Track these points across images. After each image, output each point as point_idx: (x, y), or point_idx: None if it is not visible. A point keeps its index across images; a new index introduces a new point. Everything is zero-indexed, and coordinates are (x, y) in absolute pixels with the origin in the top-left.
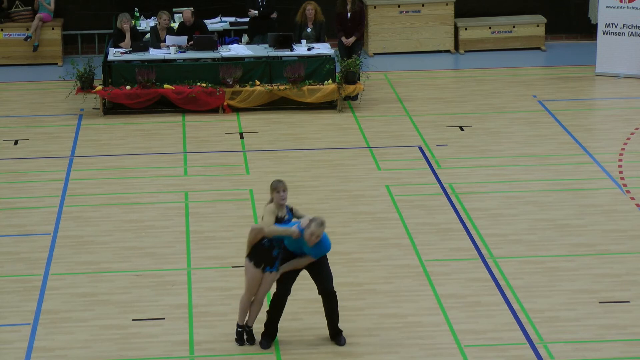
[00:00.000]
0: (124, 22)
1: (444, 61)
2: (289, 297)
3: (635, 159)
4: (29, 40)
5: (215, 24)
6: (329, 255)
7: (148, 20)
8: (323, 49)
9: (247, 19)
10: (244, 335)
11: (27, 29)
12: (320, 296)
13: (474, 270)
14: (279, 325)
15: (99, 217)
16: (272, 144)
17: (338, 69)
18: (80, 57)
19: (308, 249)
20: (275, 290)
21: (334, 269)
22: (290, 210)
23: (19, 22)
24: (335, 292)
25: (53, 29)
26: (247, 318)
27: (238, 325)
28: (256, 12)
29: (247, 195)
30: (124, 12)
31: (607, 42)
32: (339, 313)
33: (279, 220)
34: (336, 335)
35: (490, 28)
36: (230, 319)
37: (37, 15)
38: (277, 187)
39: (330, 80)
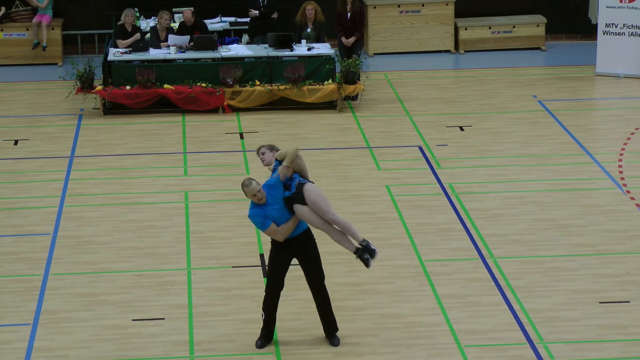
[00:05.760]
0: (127, 16)
1: (444, 61)
2: (288, 298)
3: (635, 159)
4: (37, 47)
5: (215, 24)
6: (329, 254)
7: (148, 20)
8: (323, 49)
9: (247, 19)
10: (366, 250)
11: (27, 29)
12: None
13: (474, 270)
14: (279, 325)
15: (99, 217)
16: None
17: (338, 69)
18: (80, 57)
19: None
20: (266, 287)
21: (334, 268)
22: (277, 160)
23: (19, 22)
24: (324, 287)
25: (53, 29)
26: (353, 240)
27: (356, 248)
28: (257, 12)
29: None
30: (129, 8)
31: (607, 42)
32: (341, 313)
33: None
34: (330, 333)
35: (490, 28)
36: (230, 319)
37: (37, 16)
38: (258, 154)
39: (330, 80)
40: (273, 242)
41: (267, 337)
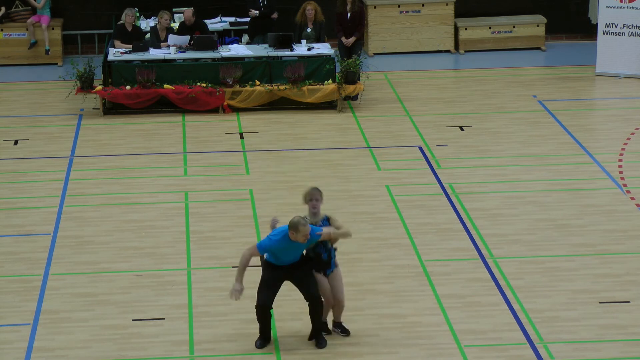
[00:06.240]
0: (128, 16)
1: (444, 61)
2: (287, 298)
3: (635, 159)
4: (33, 46)
5: (215, 24)
6: None
7: (148, 20)
8: (323, 49)
9: (247, 19)
10: (341, 330)
11: (27, 29)
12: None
13: (474, 270)
14: (279, 325)
15: (99, 217)
16: (272, 144)
17: (338, 69)
18: (80, 57)
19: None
20: (256, 302)
21: None
22: (327, 220)
23: (19, 22)
24: (320, 296)
25: (53, 29)
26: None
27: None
28: (257, 12)
29: (247, 195)
30: (130, 8)
31: (607, 42)
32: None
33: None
34: (318, 338)
35: (490, 28)
36: (230, 319)
37: (34, 16)
38: (310, 196)
39: (330, 80)
40: (263, 262)
41: (264, 339)
